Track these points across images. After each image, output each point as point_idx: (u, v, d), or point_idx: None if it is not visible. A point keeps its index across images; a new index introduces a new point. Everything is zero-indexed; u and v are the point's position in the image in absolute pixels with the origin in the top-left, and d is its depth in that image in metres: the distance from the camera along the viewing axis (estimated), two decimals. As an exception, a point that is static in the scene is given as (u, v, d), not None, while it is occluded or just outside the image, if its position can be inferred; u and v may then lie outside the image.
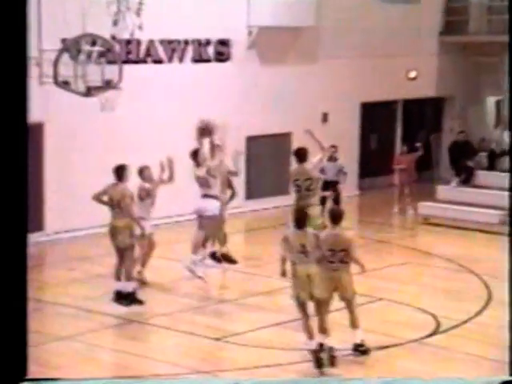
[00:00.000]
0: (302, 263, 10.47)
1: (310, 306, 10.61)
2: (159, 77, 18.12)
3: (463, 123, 23.78)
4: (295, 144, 20.61)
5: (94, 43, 14.98)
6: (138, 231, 13.00)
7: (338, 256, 10.72)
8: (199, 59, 19.03)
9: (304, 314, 10.66)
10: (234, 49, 19.51)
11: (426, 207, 19.31)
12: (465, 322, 12.29)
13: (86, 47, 14.82)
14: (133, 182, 13.33)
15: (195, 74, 18.81)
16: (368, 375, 10.44)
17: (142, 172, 13.67)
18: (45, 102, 16.11)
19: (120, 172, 12.85)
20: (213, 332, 11.71)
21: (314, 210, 12.34)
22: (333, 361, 10.44)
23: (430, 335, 11.79)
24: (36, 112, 16.30)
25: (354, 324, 10.90)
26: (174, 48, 18.61)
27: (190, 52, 18.84)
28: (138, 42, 17.84)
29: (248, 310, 12.55)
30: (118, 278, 12.92)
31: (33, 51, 14.95)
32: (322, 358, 10.41)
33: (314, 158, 12.77)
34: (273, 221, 18.27)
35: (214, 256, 14.22)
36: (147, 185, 13.57)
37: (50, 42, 15.48)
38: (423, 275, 15.17)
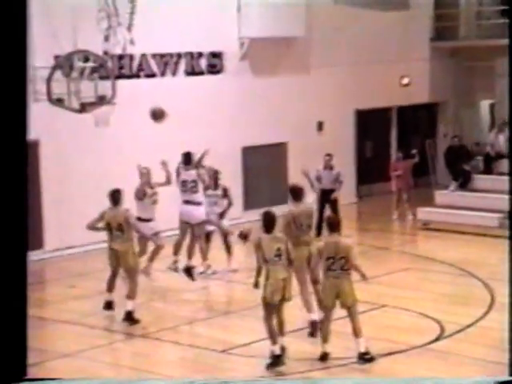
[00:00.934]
0: (277, 266, 10.59)
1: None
2: (153, 91, 18.09)
3: (457, 128, 23.82)
4: (291, 153, 20.81)
5: (86, 59, 14.99)
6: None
7: (339, 263, 10.72)
8: (192, 72, 19.04)
9: (269, 317, 10.72)
10: (226, 61, 19.54)
11: (424, 212, 19.30)
12: (469, 326, 12.26)
13: (79, 63, 14.83)
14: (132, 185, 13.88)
15: (189, 86, 18.81)
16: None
17: (141, 172, 14.33)
18: (39, 120, 16.06)
19: (116, 196, 12.89)
20: (218, 344, 11.65)
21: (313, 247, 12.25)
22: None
23: (435, 340, 11.75)
24: (31, 130, 16.43)
25: (356, 333, 10.85)
26: (167, 61, 18.62)
27: (182, 65, 18.86)
28: (131, 57, 17.85)
29: (252, 321, 12.49)
30: (110, 290, 13.03)
31: (26, 69, 15.00)
32: (282, 362, 10.56)
33: (309, 198, 12.59)
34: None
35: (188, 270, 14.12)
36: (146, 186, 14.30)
37: (43, 60, 15.46)
38: (425, 280, 15.12)
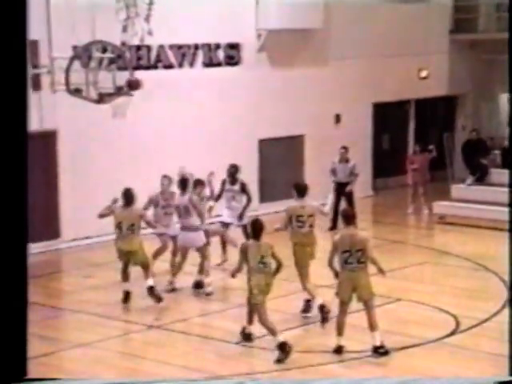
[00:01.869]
0: (261, 273, 10.83)
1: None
2: (170, 82, 18.11)
3: (476, 121, 23.70)
4: (308, 146, 20.78)
5: (104, 50, 14.95)
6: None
7: (355, 256, 10.72)
8: (210, 63, 19.02)
9: (251, 316, 11.09)
10: (244, 52, 19.50)
11: (441, 206, 19.23)
12: (485, 320, 12.22)
13: (97, 54, 14.81)
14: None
15: (206, 78, 18.80)
16: (387, 376, 10.37)
17: (162, 182, 14.25)
18: (57, 110, 16.15)
19: (129, 195, 13.00)
20: (232, 336, 11.67)
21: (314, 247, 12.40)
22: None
23: (450, 335, 11.73)
24: (49, 120, 16.53)
25: (372, 326, 10.85)
26: (185, 53, 18.61)
27: (200, 56, 18.84)
28: (149, 48, 17.85)
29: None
30: (125, 279, 13.21)
31: (44, 59, 15.04)
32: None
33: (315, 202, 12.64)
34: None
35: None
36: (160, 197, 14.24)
37: (61, 50, 15.48)
38: (441, 274, 15.08)
